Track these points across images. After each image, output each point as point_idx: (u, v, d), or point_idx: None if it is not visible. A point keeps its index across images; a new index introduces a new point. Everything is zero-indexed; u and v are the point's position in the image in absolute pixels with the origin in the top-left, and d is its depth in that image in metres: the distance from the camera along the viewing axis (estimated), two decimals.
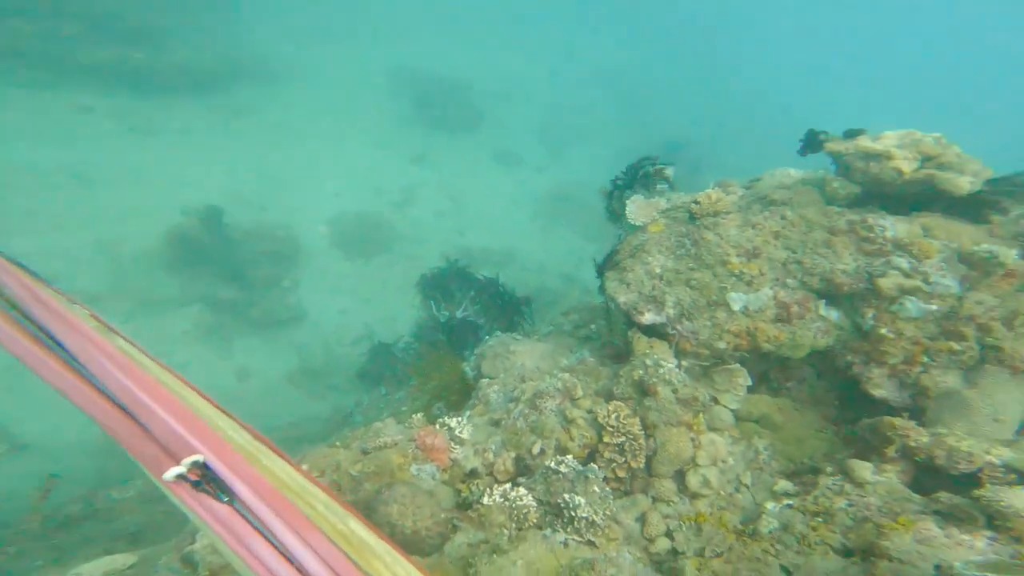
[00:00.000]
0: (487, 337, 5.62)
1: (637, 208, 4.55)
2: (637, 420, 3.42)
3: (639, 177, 4.81)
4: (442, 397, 4.91)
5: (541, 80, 25.53)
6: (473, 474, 3.50)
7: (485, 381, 4.52)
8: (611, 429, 3.39)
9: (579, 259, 16.29)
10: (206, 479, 1.20)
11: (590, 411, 3.61)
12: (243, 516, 1.18)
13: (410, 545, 2.90)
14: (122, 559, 3.78)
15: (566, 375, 3.94)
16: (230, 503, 1.19)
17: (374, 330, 11.48)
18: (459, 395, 4.80)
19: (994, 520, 2.70)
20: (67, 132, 13.18)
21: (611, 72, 27.67)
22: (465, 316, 8.04)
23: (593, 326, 5.44)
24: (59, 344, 1.41)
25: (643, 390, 3.56)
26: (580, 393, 3.75)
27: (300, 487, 1.28)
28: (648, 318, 4.00)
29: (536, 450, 3.45)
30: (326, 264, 13.34)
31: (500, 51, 25.90)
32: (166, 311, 10.46)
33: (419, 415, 4.05)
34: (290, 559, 1.13)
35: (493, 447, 3.61)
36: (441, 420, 3.82)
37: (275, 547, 1.15)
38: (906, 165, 3.75)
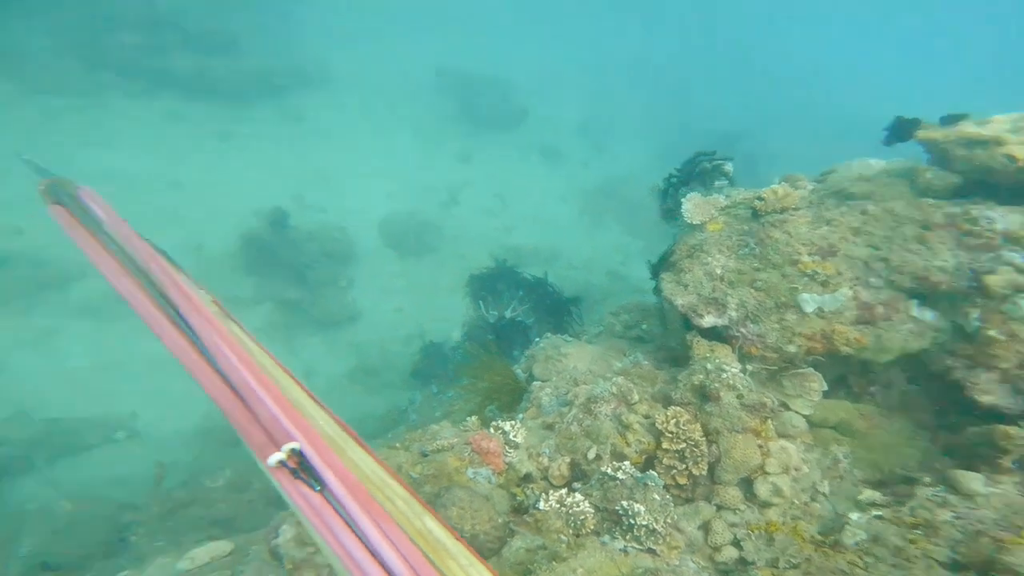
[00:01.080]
0: (536, 338, 5.59)
1: (694, 206, 4.36)
2: (698, 426, 3.30)
3: (696, 173, 4.61)
4: (494, 399, 4.94)
5: (580, 75, 25.09)
6: (528, 478, 3.48)
7: (537, 384, 4.50)
8: (670, 435, 3.28)
9: (625, 255, 15.95)
10: (302, 467, 1.24)
11: (647, 416, 3.51)
12: (332, 506, 1.21)
13: None
14: (224, 545, 4.05)
15: (620, 379, 3.84)
16: (321, 492, 1.22)
17: (425, 329, 11.71)
18: (510, 396, 4.81)
19: None
20: (159, 138, 14.32)
21: (648, 63, 26.81)
22: (514, 316, 8.05)
23: (645, 326, 5.29)
24: (185, 322, 1.57)
25: (704, 395, 3.42)
26: (636, 398, 3.65)
27: (381, 481, 1.30)
28: (709, 321, 3.84)
29: (591, 455, 3.39)
30: (379, 264, 13.66)
31: (537, 47, 25.63)
32: (243, 311, 11.08)
33: (474, 418, 4.08)
34: (374, 553, 1.14)
35: (547, 451, 3.58)
36: (495, 423, 3.82)
37: (360, 540, 1.16)
38: (1020, 151, 3.40)
